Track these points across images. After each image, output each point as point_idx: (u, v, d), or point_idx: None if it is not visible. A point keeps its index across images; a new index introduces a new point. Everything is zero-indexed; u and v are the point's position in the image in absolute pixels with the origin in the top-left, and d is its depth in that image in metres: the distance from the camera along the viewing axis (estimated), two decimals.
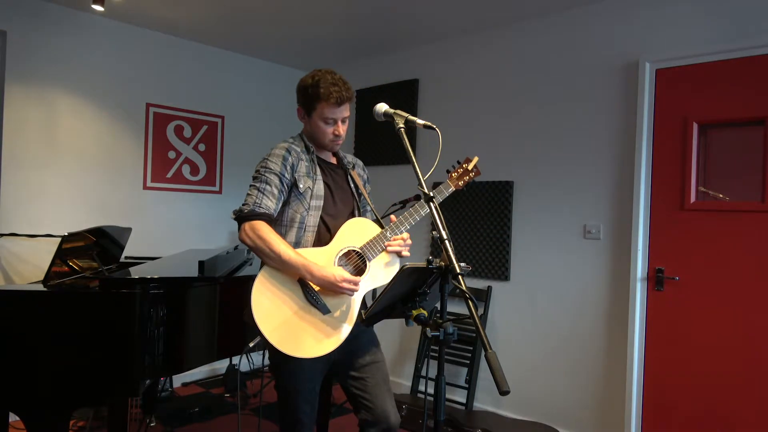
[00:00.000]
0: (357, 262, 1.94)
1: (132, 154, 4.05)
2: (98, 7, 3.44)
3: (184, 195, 4.34)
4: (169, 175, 4.25)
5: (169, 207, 4.25)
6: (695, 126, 2.94)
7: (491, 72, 3.81)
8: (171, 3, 3.59)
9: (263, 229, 1.81)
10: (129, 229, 3.31)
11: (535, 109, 3.57)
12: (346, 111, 1.96)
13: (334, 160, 2.10)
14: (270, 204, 1.86)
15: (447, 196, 2.04)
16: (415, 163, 1.61)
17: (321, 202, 1.95)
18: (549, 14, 3.50)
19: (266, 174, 1.89)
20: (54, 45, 3.63)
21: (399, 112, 1.77)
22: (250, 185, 1.91)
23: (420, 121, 1.69)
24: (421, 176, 1.57)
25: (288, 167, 1.91)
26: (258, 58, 4.79)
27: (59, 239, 2.47)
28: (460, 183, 2.07)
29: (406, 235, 1.97)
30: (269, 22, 3.91)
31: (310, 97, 1.93)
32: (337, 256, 1.90)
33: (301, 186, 1.92)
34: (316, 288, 1.83)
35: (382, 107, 1.83)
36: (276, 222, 1.91)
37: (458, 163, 2.12)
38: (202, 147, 4.44)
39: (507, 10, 3.49)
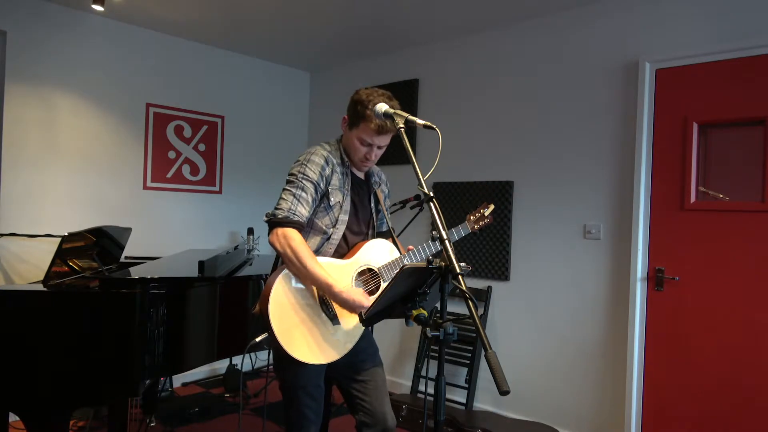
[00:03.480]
0: (372, 280, 2.00)
1: (132, 154, 4.04)
2: (98, 7, 3.44)
3: (184, 195, 4.34)
4: (169, 175, 4.25)
5: (169, 207, 4.25)
6: (695, 126, 2.94)
7: (491, 72, 3.81)
8: (171, 3, 3.59)
9: (296, 239, 1.83)
10: (129, 229, 3.31)
11: (535, 108, 3.57)
12: (384, 140, 1.97)
13: (362, 176, 2.13)
14: (304, 212, 1.88)
15: (463, 236, 2.15)
16: (415, 163, 1.61)
17: (347, 217, 1.99)
18: (549, 14, 3.50)
19: (303, 181, 1.89)
20: (54, 45, 3.63)
21: (399, 112, 1.77)
22: (285, 188, 1.91)
23: (420, 121, 1.69)
24: (421, 176, 1.56)
25: (324, 177, 1.93)
26: (258, 58, 4.79)
27: (59, 239, 2.47)
28: (476, 227, 2.21)
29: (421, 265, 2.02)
30: (269, 22, 3.91)
31: (356, 114, 1.93)
32: (355, 272, 1.96)
33: (332, 200, 1.95)
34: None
35: (382, 107, 1.84)
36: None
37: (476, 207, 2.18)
38: (202, 147, 4.44)
39: (506, 10, 3.49)
